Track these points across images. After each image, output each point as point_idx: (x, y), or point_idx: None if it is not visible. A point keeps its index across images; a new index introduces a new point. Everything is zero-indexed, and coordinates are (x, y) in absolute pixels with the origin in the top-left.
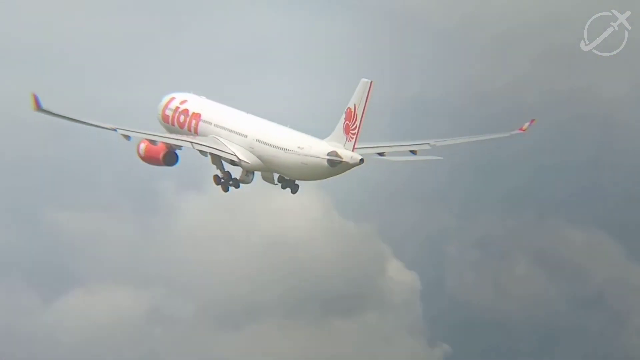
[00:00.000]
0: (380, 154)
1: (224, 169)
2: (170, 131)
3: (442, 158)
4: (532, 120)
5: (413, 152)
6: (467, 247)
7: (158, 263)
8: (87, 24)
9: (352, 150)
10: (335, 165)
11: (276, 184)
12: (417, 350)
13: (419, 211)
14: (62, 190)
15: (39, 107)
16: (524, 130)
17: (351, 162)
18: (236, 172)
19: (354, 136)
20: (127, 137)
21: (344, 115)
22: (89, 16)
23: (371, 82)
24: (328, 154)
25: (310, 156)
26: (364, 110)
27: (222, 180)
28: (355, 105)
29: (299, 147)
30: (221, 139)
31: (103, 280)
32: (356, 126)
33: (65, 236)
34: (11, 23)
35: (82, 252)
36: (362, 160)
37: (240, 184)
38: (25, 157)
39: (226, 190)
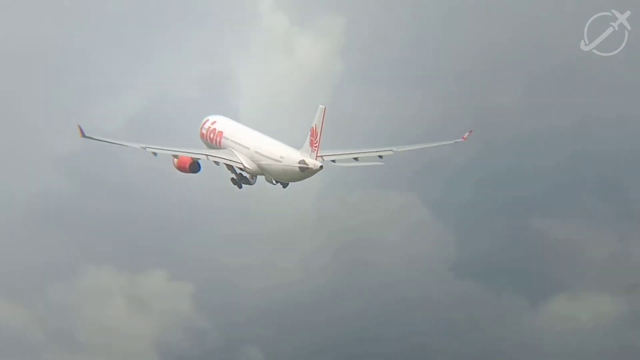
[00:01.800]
0: (355, 159)
1: (236, 172)
2: (207, 146)
3: (383, 164)
4: (470, 132)
5: (380, 157)
6: None
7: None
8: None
9: (315, 159)
10: (304, 170)
11: (274, 184)
12: None
13: None
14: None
15: (83, 135)
16: (464, 139)
17: (314, 168)
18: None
19: (316, 148)
20: (155, 154)
21: (309, 133)
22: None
23: (325, 108)
24: (299, 162)
25: (287, 165)
26: (321, 128)
27: (237, 180)
28: (315, 125)
29: (280, 157)
30: (234, 151)
31: (586, 286)
32: (317, 141)
33: (548, 243)
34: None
35: (565, 259)
36: (321, 167)
37: (249, 184)
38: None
39: (240, 187)
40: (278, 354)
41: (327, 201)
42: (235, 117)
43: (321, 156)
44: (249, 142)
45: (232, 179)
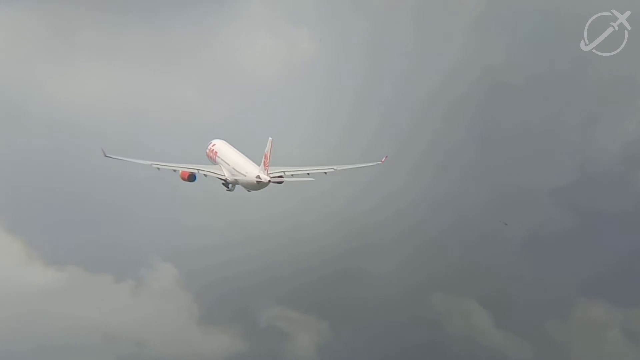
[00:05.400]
0: (308, 174)
1: (222, 181)
2: (210, 161)
3: (314, 180)
4: (386, 157)
5: (325, 173)
6: None
7: None
8: None
9: (267, 175)
10: (260, 183)
11: (249, 191)
12: None
13: None
14: None
15: (105, 155)
16: (382, 162)
17: (265, 181)
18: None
19: (267, 167)
20: (158, 169)
21: (263, 156)
22: None
23: (271, 139)
24: (256, 177)
25: (249, 178)
26: (270, 154)
27: (225, 185)
28: (267, 151)
29: (246, 173)
30: (222, 167)
31: None
32: (268, 162)
33: None
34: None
35: None
36: (269, 181)
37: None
38: None
39: (228, 190)
40: None
41: None
42: None
43: (283, 171)
44: (230, 160)
45: (223, 184)
